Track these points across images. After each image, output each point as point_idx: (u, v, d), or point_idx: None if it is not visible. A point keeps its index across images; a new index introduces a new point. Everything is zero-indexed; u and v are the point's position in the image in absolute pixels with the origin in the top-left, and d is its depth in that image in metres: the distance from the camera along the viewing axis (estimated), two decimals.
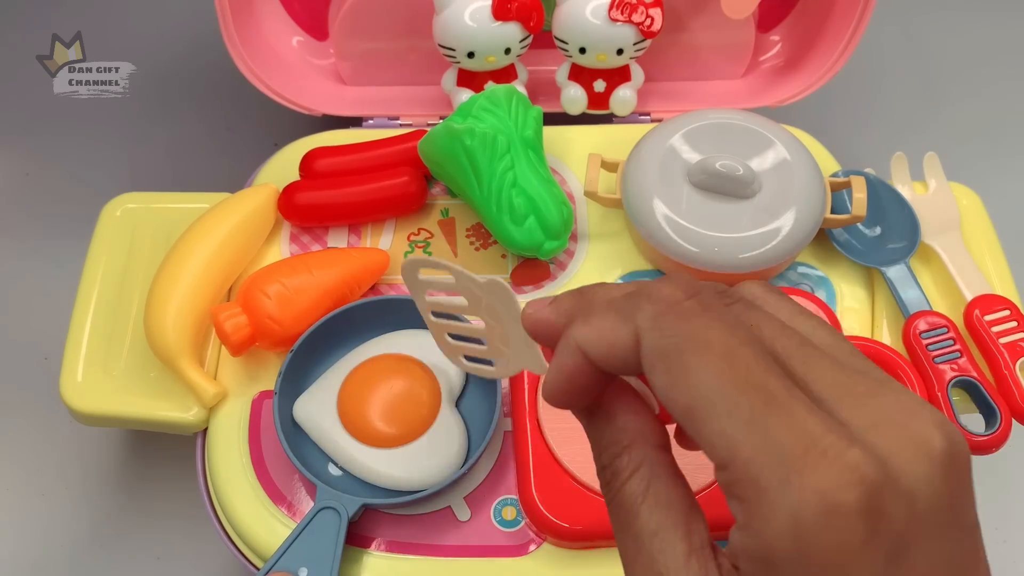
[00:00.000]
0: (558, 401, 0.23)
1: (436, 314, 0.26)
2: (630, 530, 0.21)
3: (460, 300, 0.25)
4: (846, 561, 0.17)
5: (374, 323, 0.44)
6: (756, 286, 0.22)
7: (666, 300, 0.21)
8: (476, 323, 0.26)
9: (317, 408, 0.41)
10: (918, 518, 0.18)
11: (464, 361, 0.27)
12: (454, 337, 0.27)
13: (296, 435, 0.41)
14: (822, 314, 0.43)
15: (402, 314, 0.43)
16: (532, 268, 0.48)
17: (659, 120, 0.54)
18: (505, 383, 0.43)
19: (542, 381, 0.23)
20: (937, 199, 0.49)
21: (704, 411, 0.19)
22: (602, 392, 0.23)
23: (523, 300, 0.48)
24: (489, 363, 0.27)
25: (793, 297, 0.43)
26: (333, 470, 0.41)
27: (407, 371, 0.42)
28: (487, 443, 0.40)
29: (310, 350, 0.43)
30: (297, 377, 0.43)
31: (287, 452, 0.39)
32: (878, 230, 0.48)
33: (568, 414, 0.24)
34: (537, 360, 0.25)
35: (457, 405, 0.43)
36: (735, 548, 0.19)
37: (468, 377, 0.43)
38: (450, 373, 0.42)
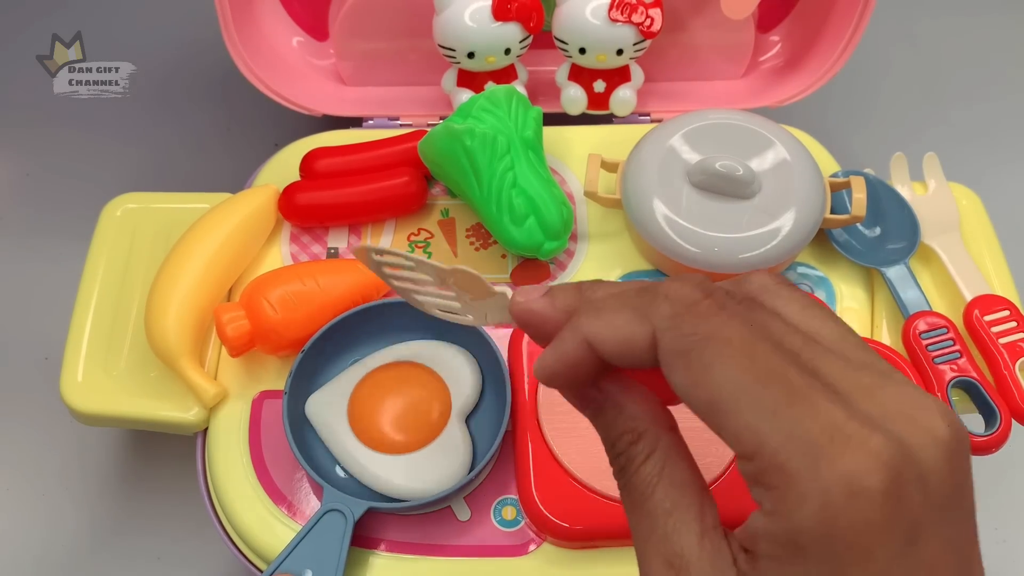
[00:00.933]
0: (553, 383, 0.24)
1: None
2: (644, 508, 0.22)
3: (424, 276, 0.27)
4: (870, 541, 0.18)
5: (389, 327, 0.43)
6: (768, 277, 0.23)
7: (684, 300, 0.21)
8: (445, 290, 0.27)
9: (328, 405, 0.41)
10: (931, 502, 0.19)
11: (439, 312, 0.27)
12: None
13: (300, 436, 0.41)
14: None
15: (419, 320, 0.42)
16: (532, 268, 0.48)
17: (659, 120, 0.54)
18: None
19: (536, 361, 0.24)
20: (937, 199, 0.49)
21: (727, 405, 0.20)
22: (600, 384, 0.24)
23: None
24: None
25: None
26: (340, 472, 0.41)
27: (418, 380, 0.42)
28: (490, 457, 0.40)
29: (321, 351, 0.43)
30: (306, 377, 0.42)
31: (295, 453, 0.39)
32: (878, 230, 0.48)
33: (569, 414, 0.24)
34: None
35: (468, 421, 0.42)
36: (757, 533, 0.20)
37: (483, 395, 0.43)
38: (464, 389, 0.42)
